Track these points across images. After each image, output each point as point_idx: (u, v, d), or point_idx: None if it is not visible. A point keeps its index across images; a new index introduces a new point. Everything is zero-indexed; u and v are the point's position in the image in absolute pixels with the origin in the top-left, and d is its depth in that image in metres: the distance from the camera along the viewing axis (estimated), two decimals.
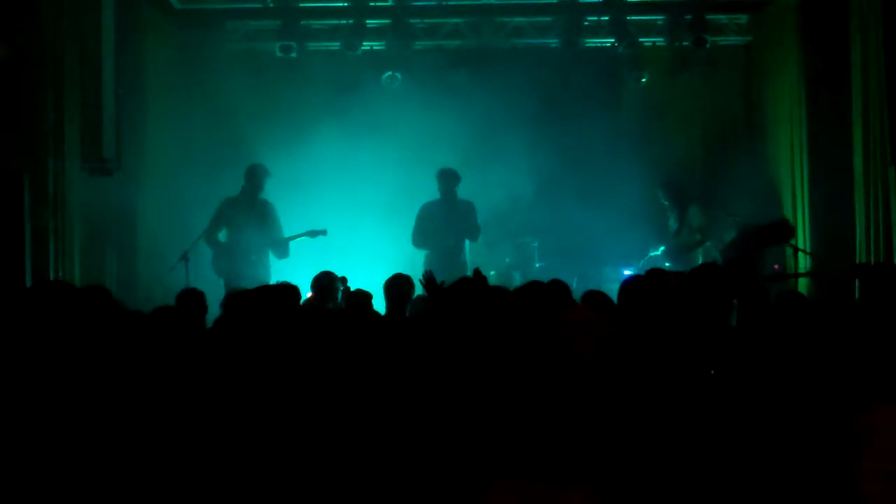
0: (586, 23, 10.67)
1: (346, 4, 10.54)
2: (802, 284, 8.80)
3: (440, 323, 3.44)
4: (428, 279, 4.98)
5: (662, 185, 9.86)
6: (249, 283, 7.25)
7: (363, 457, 2.73)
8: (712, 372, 3.30)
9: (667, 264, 9.28)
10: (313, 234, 9.02)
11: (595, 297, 5.24)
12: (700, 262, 9.22)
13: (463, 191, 9.21)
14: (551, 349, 2.58)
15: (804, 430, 2.96)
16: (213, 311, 5.70)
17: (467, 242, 9.13)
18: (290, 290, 5.15)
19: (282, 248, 8.90)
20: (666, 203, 9.79)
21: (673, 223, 9.71)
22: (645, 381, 3.01)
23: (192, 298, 5.47)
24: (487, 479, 2.31)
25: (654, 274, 4.70)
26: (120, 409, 2.90)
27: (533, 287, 3.85)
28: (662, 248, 9.62)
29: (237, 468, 2.69)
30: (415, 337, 3.70)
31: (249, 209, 8.83)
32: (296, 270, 8.41)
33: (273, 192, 9.12)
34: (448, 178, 9.06)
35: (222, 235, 8.89)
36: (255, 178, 8.90)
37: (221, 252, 8.79)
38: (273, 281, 8.03)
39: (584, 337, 2.59)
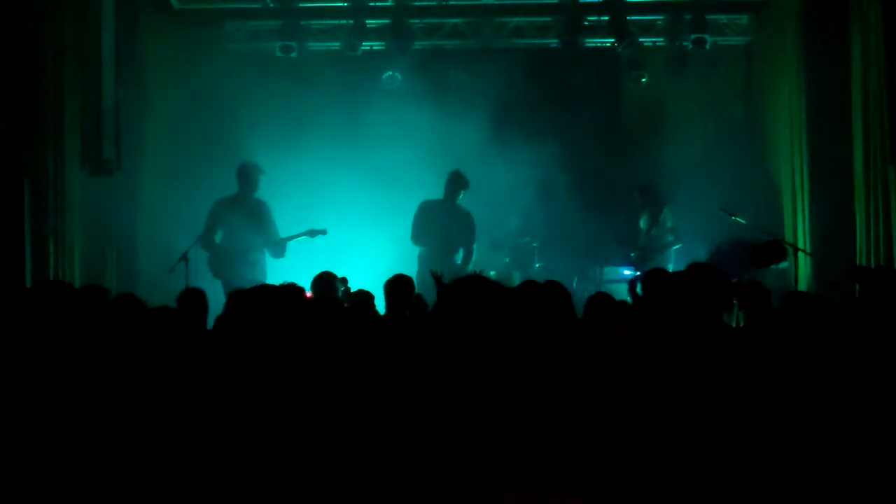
0: (586, 23, 10.67)
1: (346, 4, 10.54)
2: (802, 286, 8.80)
3: (441, 323, 3.41)
4: (437, 276, 4.96)
5: (639, 185, 9.94)
6: (246, 284, 7.22)
7: (362, 462, 2.72)
8: (715, 386, 3.29)
9: (626, 272, 9.38)
10: (313, 233, 8.95)
11: (601, 300, 5.25)
12: (671, 264, 9.28)
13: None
14: (569, 358, 2.56)
15: (812, 441, 2.94)
16: (214, 311, 5.71)
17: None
18: (295, 291, 5.13)
19: (278, 248, 8.85)
20: (641, 203, 9.86)
21: (645, 224, 9.78)
22: (653, 390, 3.00)
23: (194, 298, 5.45)
24: (487, 489, 2.30)
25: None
26: (121, 410, 2.90)
27: (529, 287, 3.83)
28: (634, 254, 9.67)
29: (242, 471, 2.69)
30: (415, 338, 3.69)
31: (244, 209, 8.76)
32: (294, 270, 8.37)
33: (272, 191, 9.10)
34: (456, 182, 9.01)
35: (218, 237, 8.84)
36: (247, 177, 8.83)
37: (217, 254, 8.74)
38: (269, 281, 8.00)
39: (607, 347, 2.57)
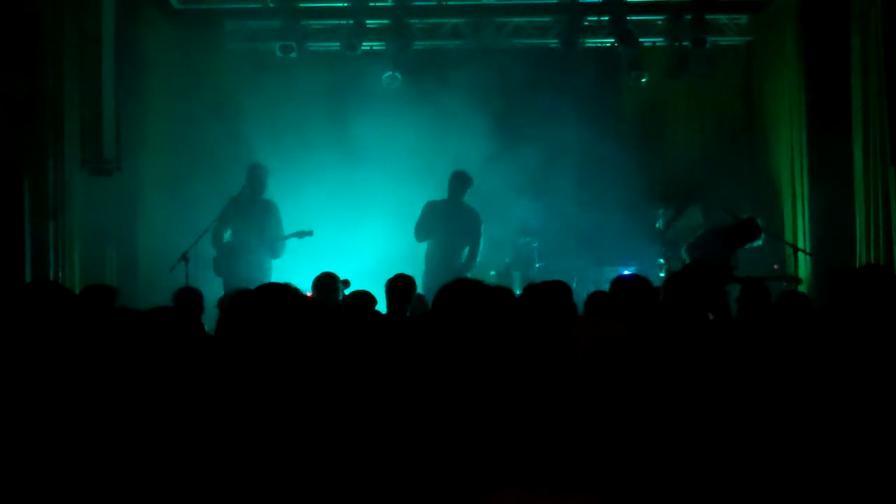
0: (586, 23, 10.67)
1: (346, 4, 10.54)
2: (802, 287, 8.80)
3: (440, 324, 3.42)
4: None
5: (664, 190, 9.94)
6: (247, 284, 7.22)
7: (362, 461, 2.72)
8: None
9: (660, 261, 9.35)
10: (300, 234, 8.95)
11: (601, 298, 5.26)
12: None
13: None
14: (565, 356, 2.56)
15: (811, 436, 2.95)
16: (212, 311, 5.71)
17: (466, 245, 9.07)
18: (288, 291, 5.13)
19: (273, 249, 8.84)
20: (666, 205, 9.85)
21: (662, 223, 9.76)
22: (652, 387, 3.00)
23: (189, 298, 5.47)
24: (489, 487, 2.30)
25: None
26: (119, 411, 2.90)
27: (536, 288, 3.84)
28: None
29: (240, 472, 2.68)
30: (416, 337, 3.69)
31: (250, 209, 8.79)
32: (295, 271, 8.39)
33: (273, 191, 9.11)
34: (459, 181, 9.00)
35: (227, 236, 8.87)
36: (255, 178, 8.86)
37: (223, 252, 8.77)
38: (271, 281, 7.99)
39: (602, 345, 2.57)
